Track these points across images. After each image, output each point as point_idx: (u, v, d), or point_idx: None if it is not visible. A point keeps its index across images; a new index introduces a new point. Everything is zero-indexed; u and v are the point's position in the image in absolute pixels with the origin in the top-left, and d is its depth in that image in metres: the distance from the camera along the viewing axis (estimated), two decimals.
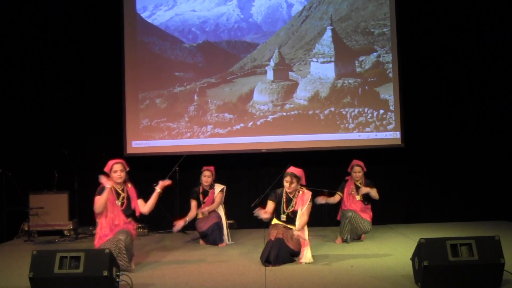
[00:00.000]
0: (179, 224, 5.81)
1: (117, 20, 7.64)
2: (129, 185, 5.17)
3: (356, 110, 7.53)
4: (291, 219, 5.23)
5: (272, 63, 7.66)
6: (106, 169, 5.06)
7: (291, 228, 5.19)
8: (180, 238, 6.93)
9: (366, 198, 6.34)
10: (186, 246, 6.35)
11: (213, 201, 6.48)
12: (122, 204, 5.02)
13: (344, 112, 7.53)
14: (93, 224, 5.39)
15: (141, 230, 7.18)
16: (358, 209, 6.24)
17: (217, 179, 6.64)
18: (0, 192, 6.81)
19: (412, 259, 4.16)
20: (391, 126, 7.52)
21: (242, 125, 7.59)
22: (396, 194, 7.68)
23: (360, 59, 7.60)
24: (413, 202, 7.82)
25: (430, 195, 7.80)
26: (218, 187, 6.55)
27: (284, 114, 7.59)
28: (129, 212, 5.10)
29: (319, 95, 7.58)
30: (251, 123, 7.59)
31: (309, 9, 7.73)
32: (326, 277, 4.45)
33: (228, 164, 7.32)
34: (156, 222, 7.50)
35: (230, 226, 6.93)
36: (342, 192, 6.36)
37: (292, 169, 5.25)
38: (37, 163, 7.54)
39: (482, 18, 7.78)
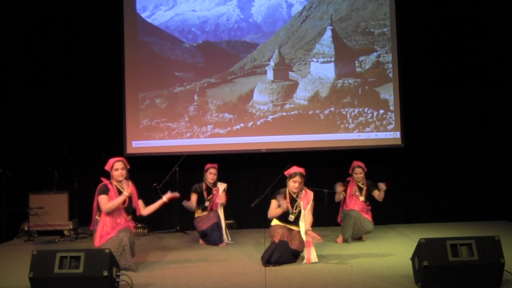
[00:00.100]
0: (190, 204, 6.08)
1: (117, 20, 7.64)
2: (130, 183, 5.17)
3: (356, 110, 7.53)
4: (296, 219, 5.22)
5: (272, 63, 7.66)
6: (107, 167, 5.07)
7: (293, 229, 5.18)
8: (180, 238, 6.93)
9: (368, 198, 6.36)
10: (186, 246, 6.35)
11: (215, 198, 6.49)
12: (124, 202, 5.02)
13: (344, 112, 7.53)
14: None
15: (141, 230, 7.18)
16: (360, 210, 6.25)
17: (218, 178, 6.64)
18: (0, 192, 6.81)
19: (412, 259, 4.16)
20: (391, 126, 7.52)
21: (242, 125, 7.59)
22: (396, 194, 7.67)
23: (360, 59, 7.60)
24: (413, 202, 7.82)
25: (430, 195, 7.80)
26: (221, 185, 6.56)
27: (284, 114, 7.59)
28: (131, 210, 5.12)
29: (319, 95, 7.58)
30: (251, 123, 7.59)
31: (309, 9, 7.73)
32: (326, 277, 4.45)
33: (228, 164, 7.31)
34: (156, 222, 7.50)
35: (230, 226, 6.94)
36: (345, 192, 6.36)
37: (298, 169, 5.22)
38: (37, 163, 7.54)
39: (482, 18, 7.79)
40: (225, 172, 6.61)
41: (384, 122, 7.52)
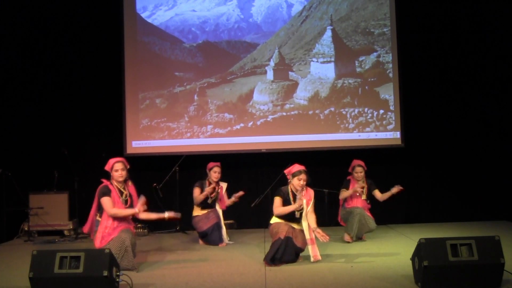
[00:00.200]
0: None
1: (117, 20, 7.64)
2: (130, 184, 5.17)
3: (356, 110, 7.53)
4: (300, 216, 5.21)
5: (272, 63, 7.66)
6: (107, 168, 5.07)
7: (295, 228, 5.17)
8: (180, 238, 6.93)
9: (368, 197, 6.37)
10: (186, 246, 6.35)
11: (221, 197, 6.52)
12: (126, 202, 5.02)
13: (344, 112, 7.53)
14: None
15: (141, 230, 7.18)
16: (363, 208, 6.26)
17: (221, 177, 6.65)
18: (0, 192, 6.81)
19: (412, 259, 4.16)
20: (391, 126, 7.52)
21: (242, 125, 7.59)
22: (396, 194, 7.67)
23: (360, 59, 7.60)
24: (413, 202, 7.82)
25: (430, 195, 7.80)
26: (224, 184, 6.58)
27: (284, 114, 7.59)
28: None
29: (319, 95, 7.58)
30: (251, 123, 7.59)
31: (309, 9, 7.73)
32: (326, 277, 4.45)
33: (228, 164, 7.30)
34: (156, 222, 7.44)
35: (230, 226, 6.93)
36: (348, 189, 6.33)
37: (301, 166, 5.21)
38: (37, 163, 7.53)
39: (482, 18, 7.78)
40: (225, 172, 6.61)
41: (384, 122, 7.52)
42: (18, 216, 7.14)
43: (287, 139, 7.54)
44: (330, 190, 6.74)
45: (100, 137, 7.78)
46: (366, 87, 7.56)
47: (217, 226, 6.27)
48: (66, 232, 7.22)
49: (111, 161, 5.07)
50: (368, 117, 7.52)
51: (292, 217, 5.18)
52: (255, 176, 7.82)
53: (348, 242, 6.10)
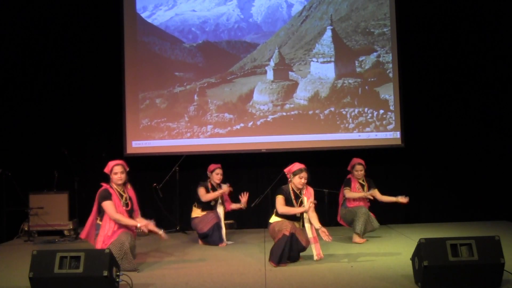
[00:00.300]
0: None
1: (117, 20, 7.64)
2: (129, 187, 5.17)
3: (356, 110, 7.53)
4: (301, 215, 5.21)
5: (272, 63, 7.66)
6: (106, 170, 5.06)
7: (297, 226, 5.17)
8: (180, 238, 6.93)
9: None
10: (186, 246, 6.35)
11: (226, 198, 6.53)
12: (126, 205, 5.02)
13: (344, 112, 7.53)
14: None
15: (141, 230, 7.15)
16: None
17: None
18: (0, 192, 6.81)
19: (412, 259, 4.16)
20: (391, 126, 7.52)
21: (242, 125, 7.59)
22: (396, 194, 7.65)
23: (360, 59, 7.60)
24: (413, 202, 7.78)
25: (430, 195, 7.80)
26: (224, 186, 6.57)
27: (284, 114, 7.59)
28: (133, 213, 5.12)
29: (319, 95, 7.58)
30: (251, 123, 7.59)
31: (309, 9, 7.73)
32: (326, 277, 4.45)
33: (228, 164, 7.30)
34: (156, 222, 7.45)
35: (230, 226, 6.93)
36: (350, 188, 6.31)
37: (301, 165, 5.21)
38: (37, 163, 7.53)
39: (482, 18, 7.78)
40: (225, 172, 6.61)
41: (384, 122, 7.52)
42: (18, 216, 7.14)
43: (287, 139, 7.53)
44: (330, 190, 6.74)
45: (100, 137, 7.78)
46: (366, 87, 7.56)
47: (217, 226, 6.27)
48: (66, 232, 7.22)
49: (110, 163, 5.07)
50: (368, 117, 7.52)
51: (293, 216, 5.18)
52: (255, 176, 7.82)
53: (359, 243, 6.04)
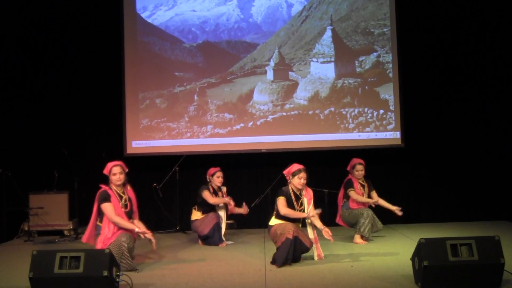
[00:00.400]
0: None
1: (117, 20, 7.64)
2: (129, 188, 5.17)
3: (356, 110, 7.53)
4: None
5: (272, 63, 7.66)
6: (105, 171, 5.06)
7: (298, 227, 5.17)
8: (180, 238, 6.93)
9: (368, 197, 6.36)
10: (186, 246, 6.35)
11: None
12: (126, 206, 5.02)
13: (344, 112, 7.53)
14: None
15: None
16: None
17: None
18: (0, 192, 6.81)
19: (412, 259, 4.16)
20: (391, 126, 7.52)
21: (242, 125, 7.59)
22: (396, 194, 7.67)
23: (360, 59, 7.60)
24: (413, 202, 7.82)
25: (430, 195, 7.80)
26: (224, 188, 6.59)
27: (284, 114, 7.59)
28: (132, 214, 5.11)
29: (319, 95, 7.58)
30: (251, 123, 7.59)
31: (309, 9, 7.73)
32: (326, 277, 4.45)
33: (228, 164, 7.31)
34: (156, 222, 7.51)
35: (230, 226, 6.92)
36: (353, 189, 6.30)
37: (300, 166, 5.20)
38: (37, 163, 7.53)
39: (482, 18, 7.78)
40: (225, 172, 6.61)
41: (384, 122, 7.52)
42: (18, 216, 7.14)
43: (287, 139, 7.53)
44: (330, 190, 6.73)
45: (100, 137, 7.78)
46: (366, 87, 7.56)
47: (217, 226, 6.27)
48: (66, 232, 7.22)
49: (109, 164, 5.06)
50: (368, 117, 7.52)
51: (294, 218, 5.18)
52: (255, 176, 7.82)
53: (361, 244, 6.04)
